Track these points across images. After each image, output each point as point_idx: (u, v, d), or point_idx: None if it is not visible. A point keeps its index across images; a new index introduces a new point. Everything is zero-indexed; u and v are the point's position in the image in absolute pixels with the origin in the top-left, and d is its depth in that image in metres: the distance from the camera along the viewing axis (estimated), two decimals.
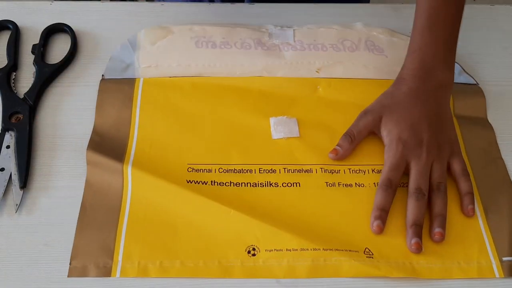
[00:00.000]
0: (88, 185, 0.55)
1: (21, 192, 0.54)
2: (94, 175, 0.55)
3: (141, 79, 0.63)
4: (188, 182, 0.55)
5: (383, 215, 0.53)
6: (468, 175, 0.56)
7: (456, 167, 0.56)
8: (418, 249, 0.51)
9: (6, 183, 0.54)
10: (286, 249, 0.51)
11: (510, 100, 0.65)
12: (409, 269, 0.50)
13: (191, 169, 0.56)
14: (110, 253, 0.50)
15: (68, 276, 0.49)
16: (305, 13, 0.72)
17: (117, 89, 0.62)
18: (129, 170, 0.55)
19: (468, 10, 0.66)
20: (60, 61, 0.65)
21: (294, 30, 0.68)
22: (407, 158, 0.55)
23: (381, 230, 0.52)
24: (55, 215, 0.53)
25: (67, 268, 0.50)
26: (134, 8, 0.73)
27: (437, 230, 0.52)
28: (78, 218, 0.52)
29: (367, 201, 0.55)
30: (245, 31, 0.67)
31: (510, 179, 0.58)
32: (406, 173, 0.55)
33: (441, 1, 0.59)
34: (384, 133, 0.57)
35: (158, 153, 0.57)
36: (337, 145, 0.58)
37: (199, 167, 0.56)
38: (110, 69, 0.64)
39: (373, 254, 0.51)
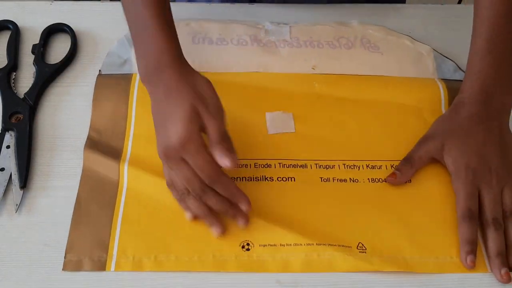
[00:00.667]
0: (84, 181, 0.55)
1: (21, 192, 0.54)
2: (89, 171, 0.55)
3: (138, 75, 0.63)
4: None
5: (474, 248, 0.52)
6: None
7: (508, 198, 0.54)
8: (509, 280, 0.50)
9: (6, 183, 0.54)
10: (280, 244, 0.51)
11: None
12: (402, 263, 0.51)
13: None
14: (105, 247, 0.51)
15: (63, 270, 0.49)
16: (305, 13, 0.72)
17: (114, 84, 0.62)
18: (125, 165, 0.55)
19: (469, 10, 0.66)
20: (60, 61, 0.65)
21: (290, 27, 0.68)
22: (479, 186, 0.54)
23: (474, 264, 0.51)
24: (55, 215, 0.53)
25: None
26: None
27: (504, 271, 0.51)
28: (73, 212, 0.53)
29: (361, 196, 0.55)
30: (242, 27, 0.68)
31: None
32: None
33: (501, 22, 0.57)
34: (449, 160, 0.56)
35: (154, 149, 0.56)
36: (396, 169, 0.57)
37: None
38: (107, 65, 0.64)
39: (366, 249, 0.52)
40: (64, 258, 0.50)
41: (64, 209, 0.53)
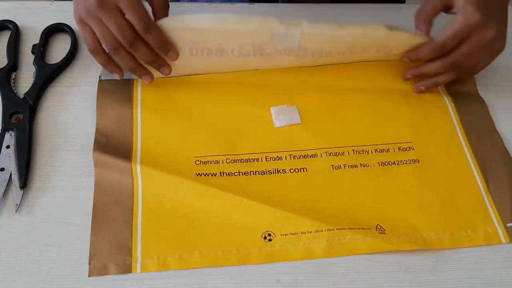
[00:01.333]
0: (98, 186, 0.55)
1: (21, 192, 0.54)
2: (102, 176, 0.55)
3: (139, 80, 0.63)
4: (197, 175, 0.56)
5: (414, 60, 0.61)
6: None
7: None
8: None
9: (6, 183, 0.54)
10: (301, 232, 0.52)
11: (510, 100, 0.65)
12: (420, 241, 0.52)
13: (199, 162, 0.57)
14: (128, 250, 0.51)
15: (89, 276, 0.49)
16: (306, 13, 0.72)
17: (116, 89, 0.62)
18: (137, 168, 0.55)
19: None
20: (60, 61, 0.65)
21: (302, 32, 0.59)
22: (476, 27, 0.57)
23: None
24: (55, 215, 0.53)
25: (67, 267, 0.50)
26: None
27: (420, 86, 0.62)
28: (92, 219, 0.52)
29: (373, 180, 0.57)
30: (245, 34, 0.60)
31: (507, 150, 0.60)
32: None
33: None
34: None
35: (164, 149, 0.58)
36: (416, 28, 0.61)
37: (207, 159, 0.57)
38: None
39: (384, 230, 0.53)
40: (89, 264, 0.50)
41: (64, 209, 0.54)
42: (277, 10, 0.73)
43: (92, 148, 0.57)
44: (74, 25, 0.68)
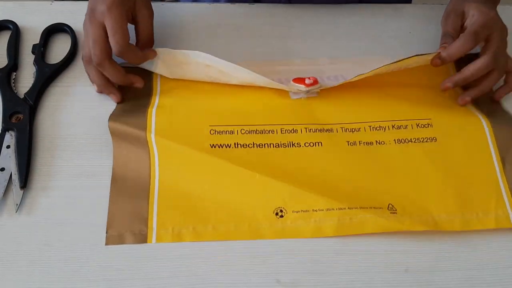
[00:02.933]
0: (116, 157, 0.56)
1: (21, 192, 0.54)
2: (120, 147, 0.56)
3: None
4: (211, 147, 0.56)
5: (447, 59, 0.61)
6: None
7: None
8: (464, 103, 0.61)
9: (6, 183, 0.54)
10: (313, 210, 0.52)
11: (510, 100, 0.65)
12: (431, 222, 0.52)
13: (214, 131, 0.57)
14: (144, 220, 0.52)
15: (106, 244, 0.51)
16: (306, 14, 0.72)
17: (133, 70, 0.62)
18: (152, 139, 0.56)
19: None
20: (60, 61, 0.65)
21: (321, 86, 0.60)
22: (491, 32, 0.61)
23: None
24: (55, 215, 0.53)
25: (67, 267, 0.50)
26: None
27: (467, 98, 0.61)
28: (111, 189, 0.54)
29: (388, 158, 0.57)
30: (265, 81, 0.59)
31: None
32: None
33: None
34: (469, 19, 0.62)
35: (180, 117, 0.58)
36: (441, 44, 0.62)
37: (221, 128, 0.57)
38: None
39: (396, 210, 0.53)
40: (106, 233, 0.51)
41: (64, 209, 0.54)
42: (278, 11, 0.73)
43: (92, 148, 0.57)
44: (74, 25, 0.68)
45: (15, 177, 0.55)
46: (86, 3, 0.72)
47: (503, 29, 0.63)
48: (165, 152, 0.56)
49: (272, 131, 0.58)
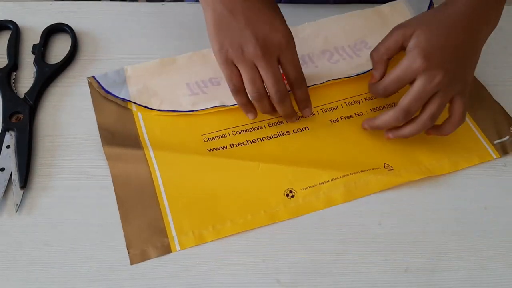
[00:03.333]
0: (116, 179, 0.56)
1: (21, 192, 0.54)
2: (117, 168, 0.56)
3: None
4: (209, 151, 0.58)
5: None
6: (462, 122, 0.57)
7: (458, 108, 0.55)
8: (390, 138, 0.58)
9: (6, 183, 0.54)
10: (319, 183, 0.56)
11: (510, 100, 0.65)
12: (425, 171, 0.58)
13: (207, 139, 0.59)
14: (163, 232, 0.52)
15: (131, 264, 0.50)
16: (306, 14, 0.72)
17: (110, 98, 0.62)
18: (151, 153, 0.57)
19: None
20: (60, 61, 0.65)
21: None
22: (418, 74, 0.53)
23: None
24: (55, 215, 0.53)
25: (67, 267, 0.50)
26: (134, 8, 0.73)
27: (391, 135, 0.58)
28: (119, 211, 0.53)
29: None
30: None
31: (480, 82, 0.66)
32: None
33: None
34: (412, 41, 0.54)
35: (171, 133, 0.60)
36: (373, 69, 0.59)
37: (213, 135, 0.60)
38: (102, 79, 0.63)
39: (392, 167, 0.58)
40: (128, 253, 0.51)
41: (64, 209, 0.54)
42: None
43: (92, 148, 0.58)
44: (74, 25, 0.68)
45: (15, 177, 0.55)
46: (86, 3, 0.72)
47: (429, 81, 0.53)
48: (165, 163, 0.57)
49: (261, 127, 0.61)
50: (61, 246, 0.51)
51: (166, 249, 0.51)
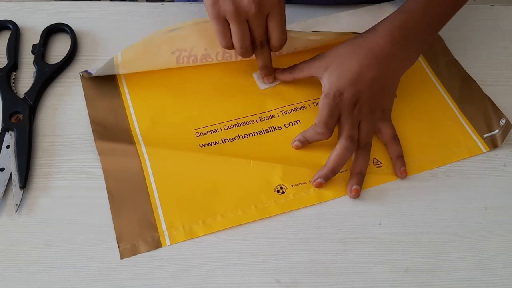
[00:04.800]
0: (107, 173, 0.56)
1: (21, 192, 0.54)
2: (109, 163, 0.56)
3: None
4: (201, 146, 0.58)
5: (305, 142, 0.58)
6: (398, 139, 0.59)
7: (387, 131, 0.59)
8: (319, 187, 0.56)
9: (6, 183, 0.54)
10: (309, 181, 0.56)
11: (510, 100, 0.65)
12: (415, 166, 0.59)
13: (199, 134, 0.59)
14: (153, 226, 0.52)
15: (121, 258, 0.51)
16: (306, 14, 0.72)
17: (100, 81, 0.63)
18: (142, 149, 0.57)
19: (468, 10, 0.66)
20: (60, 61, 0.65)
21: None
22: (340, 110, 0.57)
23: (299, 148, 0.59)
24: (55, 215, 0.53)
25: (67, 267, 0.50)
26: (134, 8, 0.73)
27: (354, 187, 0.55)
28: (110, 205, 0.54)
29: None
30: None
31: (466, 71, 0.67)
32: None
33: None
34: (326, 80, 0.58)
35: (163, 128, 0.60)
36: (282, 70, 0.63)
37: (205, 129, 0.60)
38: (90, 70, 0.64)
39: (381, 163, 0.59)
40: (118, 247, 0.51)
41: (64, 209, 0.54)
42: None
43: (92, 148, 0.57)
44: (74, 25, 0.68)
45: (15, 177, 0.55)
46: (86, 3, 0.72)
47: (373, 86, 0.57)
48: (157, 158, 0.57)
49: (252, 121, 0.61)
50: (61, 246, 0.51)
51: (156, 244, 0.51)
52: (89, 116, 0.60)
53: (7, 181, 0.55)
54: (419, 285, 0.51)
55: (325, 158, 0.57)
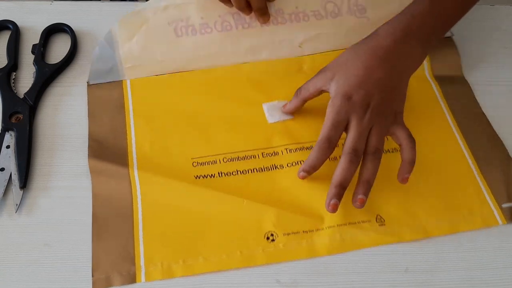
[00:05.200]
0: (96, 195, 0.54)
1: (21, 192, 0.54)
2: (100, 183, 0.55)
3: (128, 82, 0.63)
4: (196, 178, 0.55)
5: (311, 170, 0.53)
6: (414, 142, 0.54)
7: (401, 132, 0.54)
8: (334, 210, 0.51)
9: (6, 183, 0.54)
10: (303, 231, 0.52)
11: (510, 100, 0.65)
12: (420, 230, 0.53)
13: (196, 163, 0.56)
14: (131, 259, 0.50)
15: None
16: None
17: (106, 94, 0.62)
18: (135, 173, 0.55)
19: (468, 10, 0.66)
20: (60, 61, 0.65)
21: None
22: (349, 116, 0.53)
23: (305, 178, 0.54)
24: (55, 215, 0.53)
25: (67, 267, 0.50)
26: (134, 8, 0.72)
27: (360, 196, 0.51)
28: (92, 229, 0.52)
29: None
30: (223, 6, 0.64)
31: (494, 130, 0.61)
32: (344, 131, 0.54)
33: None
34: (333, 87, 0.55)
35: (160, 152, 0.57)
36: (290, 102, 0.60)
37: (204, 159, 0.57)
38: (94, 73, 0.63)
39: (385, 221, 0.53)
40: (92, 276, 0.49)
41: (64, 209, 0.54)
42: None
43: None
44: (74, 25, 0.68)
45: (15, 177, 0.55)
46: (86, 3, 0.72)
47: (383, 89, 0.54)
48: (148, 186, 0.54)
49: (254, 156, 0.57)
50: (61, 246, 0.51)
51: (131, 279, 0.49)
52: (88, 129, 0.59)
53: (7, 181, 0.55)
54: (419, 285, 0.51)
55: (323, 200, 0.52)
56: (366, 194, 0.51)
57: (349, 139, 0.52)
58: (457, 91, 0.64)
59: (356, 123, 0.53)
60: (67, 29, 0.68)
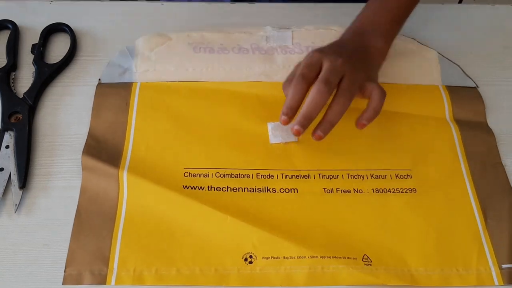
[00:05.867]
0: (84, 191, 0.54)
1: (21, 192, 0.54)
2: (89, 181, 0.55)
3: (138, 84, 0.63)
4: (184, 188, 0.54)
5: (289, 112, 0.52)
6: (385, 95, 0.53)
7: (374, 85, 0.54)
8: (297, 134, 0.52)
9: (5, 183, 0.54)
10: (284, 257, 0.51)
11: (510, 100, 0.65)
12: (407, 277, 0.50)
13: (188, 174, 0.56)
14: (105, 260, 0.50)
15: (63, 284, 0.49)
16: (305, 12, 0.72)
17: (114, 93, 0.62)
18: (124, 175, 0.54)
19: (469, 10, 0.66)
20: (60, 61, 0.65)
21: (292, 31, 0.67)
22: (322, 59, 0.54)
23: (287, 123, 0.53)
24: (54, 215, 0.53)
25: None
26: (134, 8, 0.72)
27: (318, 133, 0.52)
28: (73, 224, 0.52)
29: (365, 207, 0.54)
30: (243, 36, 0.66)
31: (510, 185, 0.57)
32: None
33: None
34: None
35: (154, 157, 0.57)
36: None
37: (196, 171, 0.56)
38: (107, 74, 0.64)
39: (371, 261, 0.51)
40: (64, 272, 0.49)
41: (64, 209, 0.53)
42: (276, 9, 0.72)
43: None
44: (73, 25, 0.68)
45: (14, 177, 0.55)
46: (85, 3, 0.72)
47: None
48: (135, 189, 0.54)
49: (248, 176, 0.56)
50: (61, 246, 0.51)
51: (102, 279, 0.49)
52: (89, 126, 0.59)
53: (6, 181, 0.54)
54: None
55: (310, 233, 0.52)
56: (325, 132, 0.52)
57: (322, 72, 0.53)
58: (478, 137, 0.60)
59: (329, 62, 0.53)
60: (67, 29, 0.68)
